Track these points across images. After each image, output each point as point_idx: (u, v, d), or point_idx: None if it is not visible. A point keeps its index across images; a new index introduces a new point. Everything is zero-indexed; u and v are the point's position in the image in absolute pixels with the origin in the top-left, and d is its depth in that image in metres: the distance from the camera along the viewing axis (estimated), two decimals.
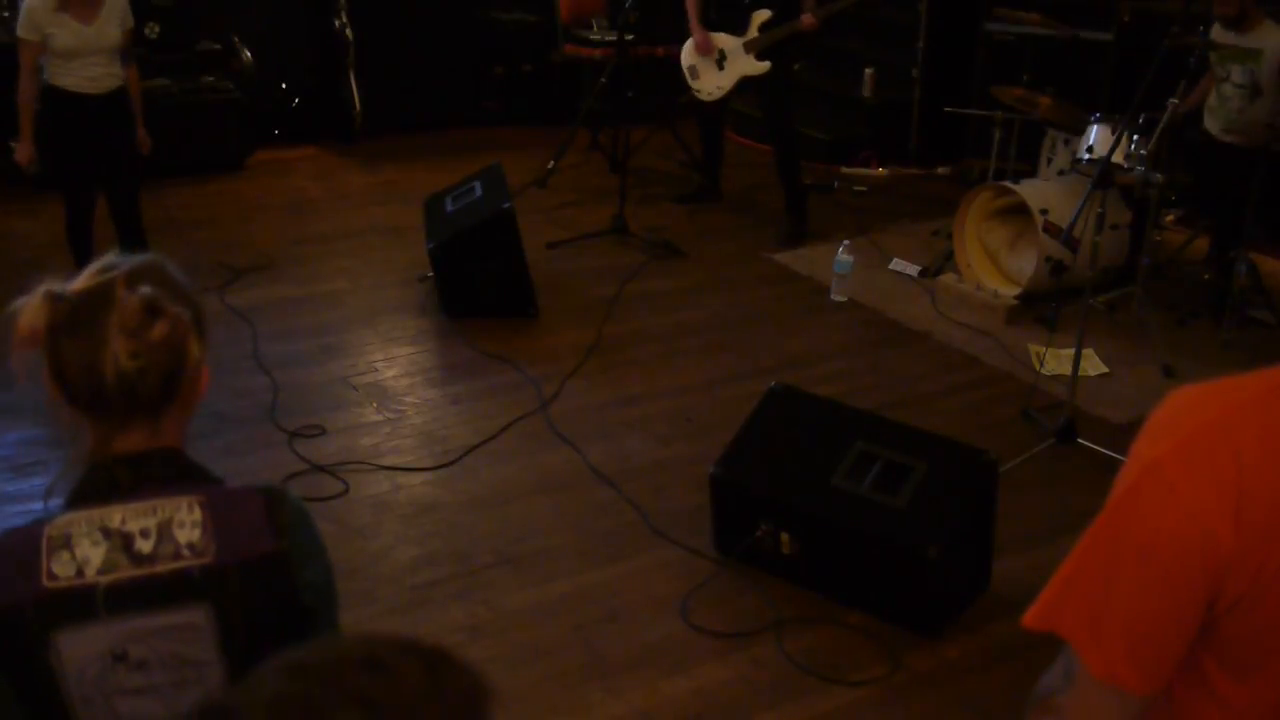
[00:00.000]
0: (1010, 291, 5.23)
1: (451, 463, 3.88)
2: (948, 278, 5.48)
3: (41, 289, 1.31)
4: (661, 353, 4.77)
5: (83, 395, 1.31)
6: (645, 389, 4.45)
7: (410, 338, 4.82)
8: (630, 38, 6.53)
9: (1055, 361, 4.66)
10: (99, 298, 1.30)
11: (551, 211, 6.28)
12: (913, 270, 5.66)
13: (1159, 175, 4.84)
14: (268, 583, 1.32)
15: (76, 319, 1.30)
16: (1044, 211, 4.99)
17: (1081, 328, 4.03)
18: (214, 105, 6.60)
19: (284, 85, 7.38)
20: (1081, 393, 4.27)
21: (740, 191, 6.79)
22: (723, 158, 6.66)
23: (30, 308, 1.30)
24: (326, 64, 7.39)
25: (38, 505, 3.30)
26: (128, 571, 1.28)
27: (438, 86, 7.71)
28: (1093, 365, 4.74)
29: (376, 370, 4.52)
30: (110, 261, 1.36)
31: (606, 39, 7.25)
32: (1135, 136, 4.79)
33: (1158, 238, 5.35)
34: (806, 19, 5.72)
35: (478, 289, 4.94)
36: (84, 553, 1.28)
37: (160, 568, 1.29)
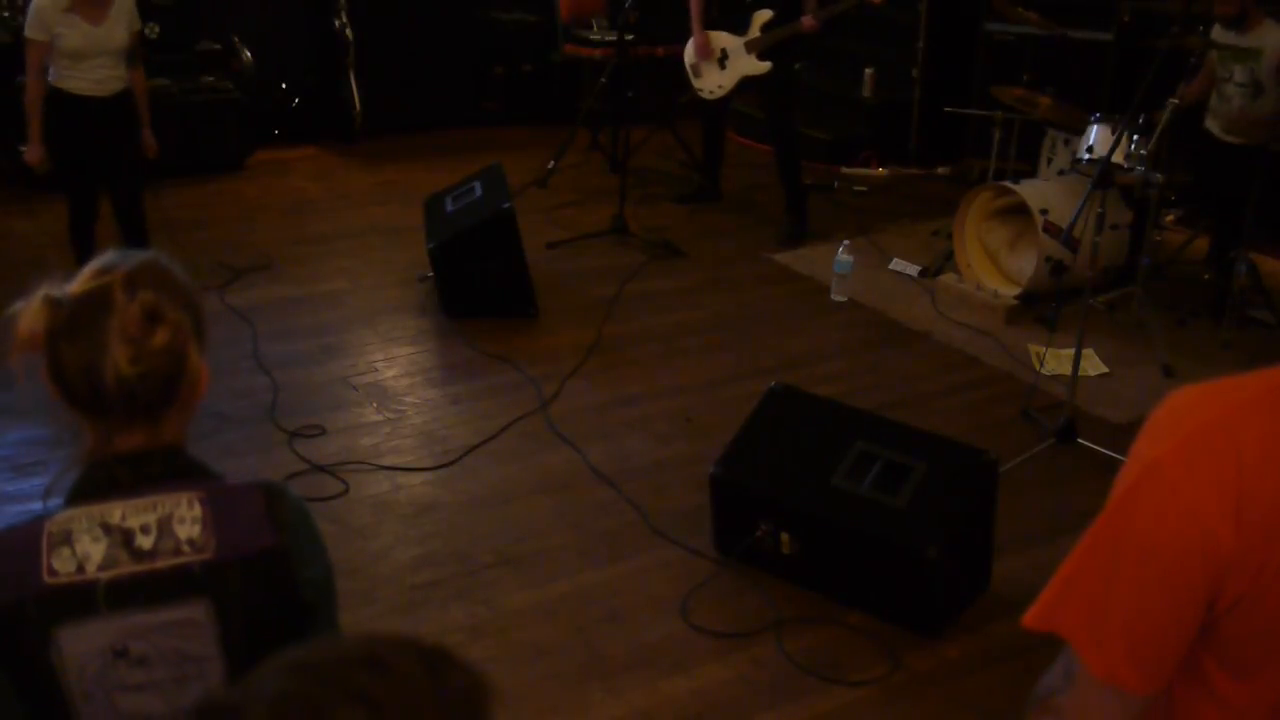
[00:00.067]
0: (1010, 291, 5.24)
1: (451, 463, 3.88)
2: (948, 278, 5.48)
3: (40, 293, 1.30)
4: (661, 353, 4.77)
5: (82, 398, 1.31)
6: (645, 389, 4.45)
7: (410, 338, 4.82)
8: (630, 38, 6.53)
9: (1055, 361, 4.66)
10: (97, 302, 1.30)
11: (551, 211, 6.28)
12: (913, 270, 5.66)
13: (1159, 175, 4.84)
14: (268, 578, 1.33)
15: (76, 323, 1.29)
16: (1044, 211, 4.99)
17: (1081, 328, 4.03)
18: (214, 105, 6.60)
19: (284, 85, 7.38)
20: (1081, 393, 4.27)
21: (740, 191, 6.79)
22: (723, 158, 6.66)
23: (29, 312, 1.30)
24: (326, 64, 7.39)
25: (38, 505, 3.29)
26: (128, 567, 1.28)
27: (438, 86, 7.71)
28: (1093, 365, 4.74)
29: (376, 370, 4.52)
30: (108, 261, 1.35)
31: (606, 39, 7.25)
32: (1135, 136, 4.79)
33: (1158, 238, 5.35)
34: (807, 21, 5.73)
35: (478, 289, 4.94)
36: (84, 549, 1.28)
37: (161, 563, 1.29)
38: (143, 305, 1.30)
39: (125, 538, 1.29)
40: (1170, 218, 5.79)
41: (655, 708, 2.84)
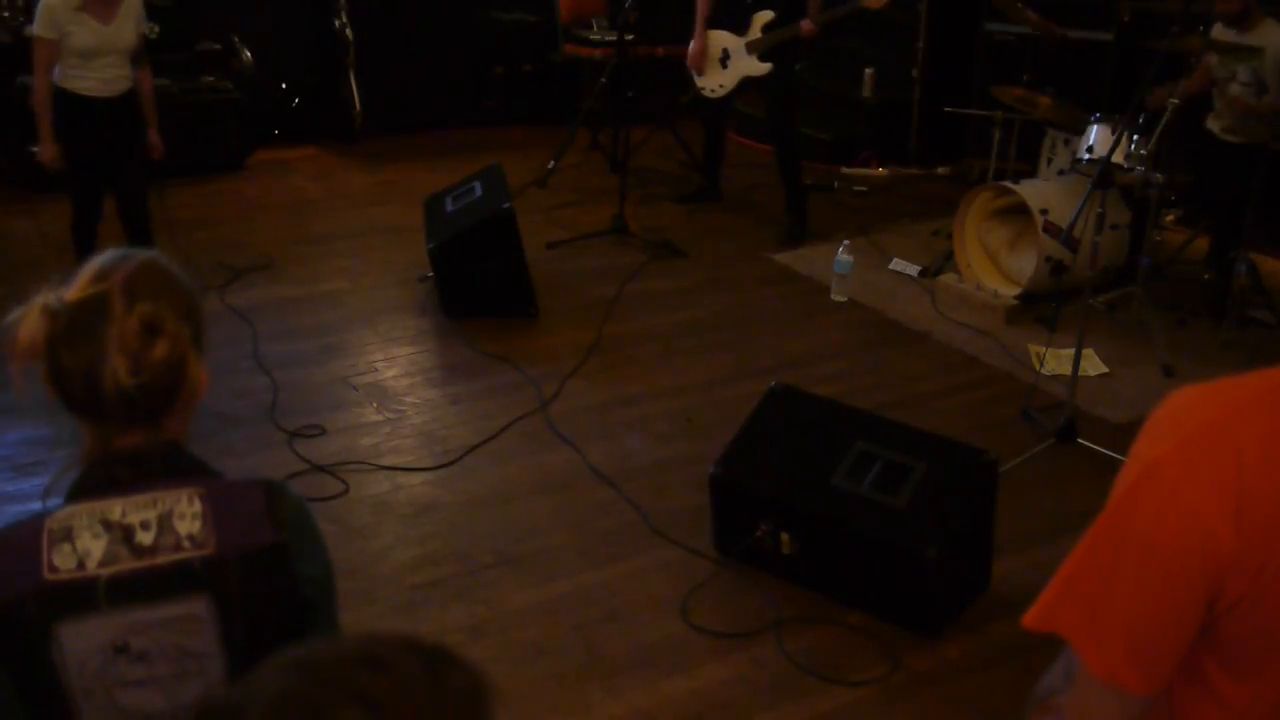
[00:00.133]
0: (1010, 291, 5.24)
1: (451, 463, 3.88)
2: (948, 278, 5.48)
3: (38, 302, 1.30)
4: (661, 353, 4.77)
5: (81, 403, 1.31)
6: (645, 389, 4.45)
7: (410, 338, 4.82)
8: (630, 38, 6.53)
9: (1055, 361, 4.66)
10: (95, 310, 1.29)
11: (551, 211, 6.28)
12: (913, 270, 5.66)
13: (1159, 175, 4.84)
14: (267, 574, 1.33)
15: (74, 331, 1.29)
16: (1044, 211, 4.99)
17: (1081, 328, 4.03)
18: (214, 105, 6.60)
19: (284, 85, 7.38)
20: (1081, 393, 4.27)
21: (740, 191, 6.79)
22: (724, 158, 6.66)
23: (28, 321, 1.29)
24: (326, 64, 7.39)
25: (38, 505, 3.29)
26: (129, 563, 1.28)
27: (438, 86, 7.71)
28: (1093, 365, 4.74)
29: (376, 370, 4.52)
30: (107, 264, 1.34)
31: (606, 39, 7.25)
32: (1135, 136, 4.79)
33: (1158, 238, 5.35)
34: (805, 25, 5.72)
35: (478, 289, 4.94)
36: (85, 545, 1.28)
37: (161, 559, 1.29)
38: (141, 318, 1.29)
39: (125, 534, 1.29)
40: (1170, 218, 5.78)
41: (655, 708, 2.84)
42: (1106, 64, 6.36)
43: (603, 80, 6.66)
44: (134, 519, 1.30)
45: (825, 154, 7.38)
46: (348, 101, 7.35)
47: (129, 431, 1.34)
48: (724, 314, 5.19)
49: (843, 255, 5.35)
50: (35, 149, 4.42)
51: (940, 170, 7.40)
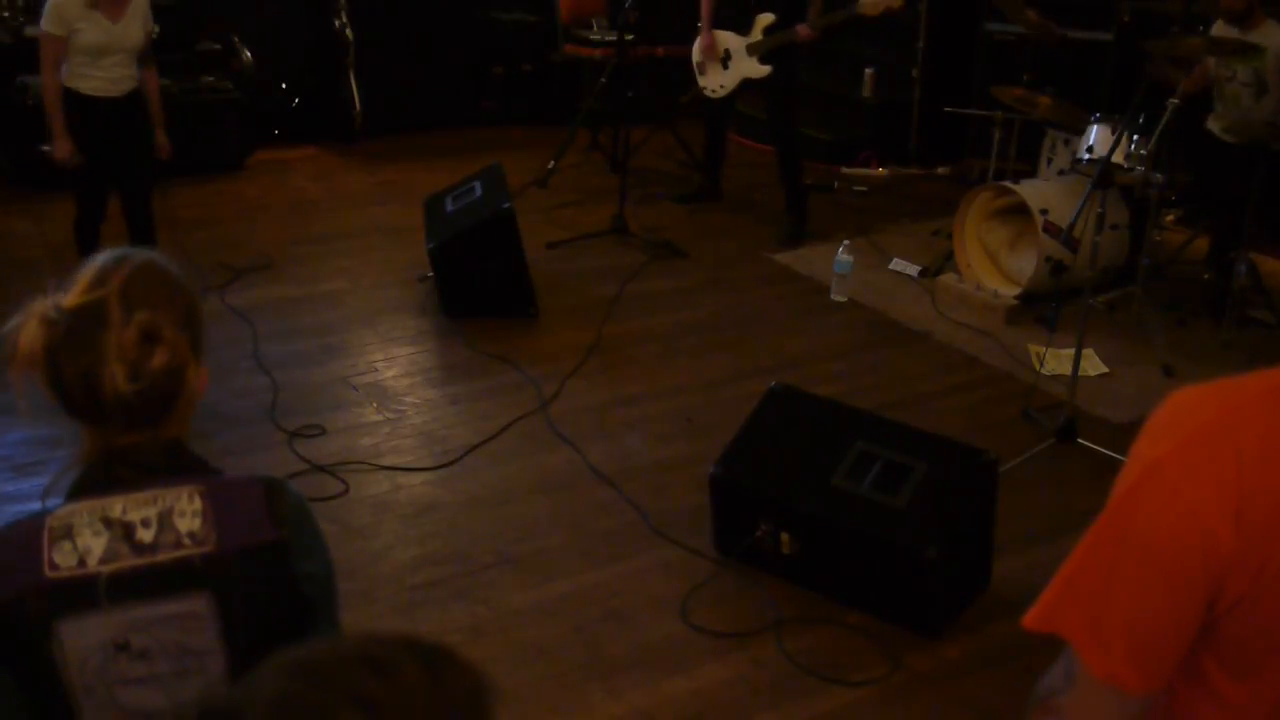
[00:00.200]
0: (1010, 291, 5.24)
1: (451, 463, 3.88)
2: (948, 278, 5.48)
3: (36, 311, 1.29)
4: (661, 353, 4.77)
5: (81, 408, 1.31)
6: (645, 389, 4.45)
7: (410, 338, 4.82)
8: (630, 38, 6.53)
9: (1055, 361, 4.66)
10: (93, 317, 1.29)
11: (551, 211, 6.28)
12: (913, 270, 5.66)
13: (1159, 175, 4.84)
14: (267, 572, 1.33)
15: (72, 338, 1.29)
16: (1044, 211, 4.99)
17: (1081, 328, 4.03)
18: (214, 105, 6.60)
19: (284, 85, 7.38)
20: (1081, 393, 4.27)
21: (740, 191, 6.79)
22: (725, 158, 6.66)
23: (26, 330, 1.29)
24: (326, 64, 7.39)
25: (38, 505, 3.29)
26: (129, 561, 1.28)
27: (438, 86, 7.71)
28: (1093, 365, 4.74)
29: (376, 370, 4.52)
30: (104, 267, 1.33)
31: (606, 39, 7.26)
32: (1135, 136, 4.79)
33: (1158, 238, 5.35)
34: (802, 29, 5.72)
35: (478, 289, 4.94)
36: (85, 543, 1.28)
37: (162, 556, 1.29)
38: (139, 326, 1.29)
39: (126, 531, 1.29)
40: (1170, 218, 5.78)
41: (655, 708, 2.84)
42: (1106, 64, 6.36)
43: (603, 80, 6.66)
44: (134, 516, 1.30)
45: (825, 154, 7.38)
46: (348, 101, 7.35)
47: (129, 434, 1.34)
48: (724, 314, 5.19)
49: (843, 255, 5.35)
50: (47, 148, 4.40)
51: (940, 170, 7.40)
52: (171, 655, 1.30)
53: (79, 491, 1.32)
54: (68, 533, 1.28)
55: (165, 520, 1.30)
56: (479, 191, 5.16)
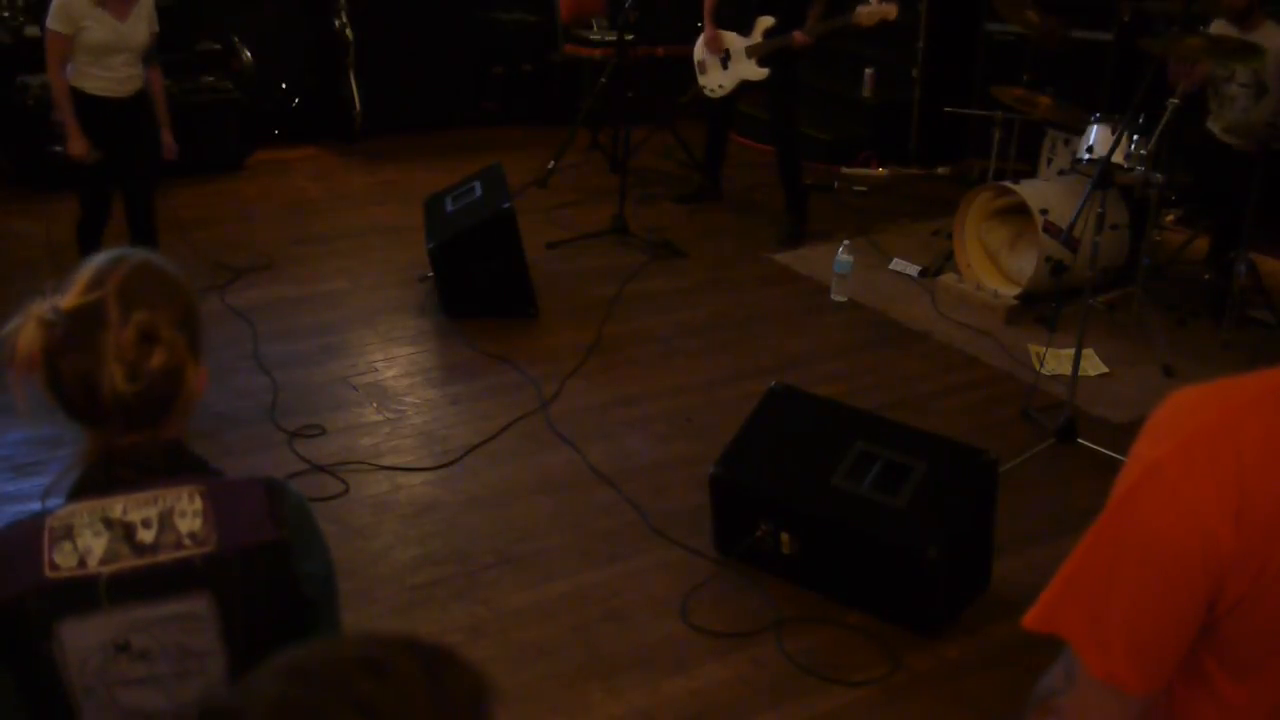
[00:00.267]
0: (1010, 291, 5.24)
1: (451, 463, 3.88)
2: (948, 278, 5.48)
3: (34, 313, 1.29)
4: (661, 353, 4.77)
5: (80, 410, 1.31)
6: (645, 389, 4.45)
7: (410, 338, 4.82)
8: (630, 38, 6.53)
9: (1055, 361, 4.66)
10: (91, 318, 1.29)
11: (551, 211, 6.28)
12: (913, 270, 5.66)
13: (1159, 175, 4.84)
14: (268, 572, 1.33)
15: (70, 340, 1.29)
16: (1044, 211, 4.99)
17: (1081, 328, 4.03)
18: (214, 105, 6.60)
19: (284, 85, 7.38)
20: (1081, 393, 4.27)
21: (740, 191, 6.79)
22: (725, 158, 6.66)
23: (25, 332, 1.29)
24: (326, 64, 7.39)
25: (38, 505, 3.29)
26: (130, 561, 1.28)
27: (438, 86, 7.71)
28: (1093, 365, 4.74)
29: (376, 370, 4.52)
30: (101, 268, 1.33)
31: (606, 39, 7.26)
32: (1135, 136, 4.79)
33: (1158, 238, 5.35)
34: (798, 36, 5.72)
35: (478, 289, 4.94)
36: (86, 543, 1.28)
37: (162, 557, 1.29)
38: (138, 327, 1.29)
39: (126, 532, 1.29)
40: (1170, 218, 5.78)
41: (655, 708, 2.84)
42: (1106, 64, 6.36)
43: (603, 80, 6.67)
44: (135, 517, 1.30)
45: (825, 154, 7.38)
46: (348, 101, 7.35)
47: (128, 435, 1.34)
48: (724, 314, 5.19)
49: (843, 255, 5.35)
50: (59, 148, 4.36)
51: (940, 170, 7.40)
52: (172, 656, 1.30)
53: (79, 492, 1.32)
54: (68, 533, 1.28)
55: (166, 521, 1.30)
56: (479, 191, 5.16)
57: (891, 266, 5.73)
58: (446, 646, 0.88)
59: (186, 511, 1.31)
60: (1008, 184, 5.22)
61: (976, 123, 6.68)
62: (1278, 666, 1.16)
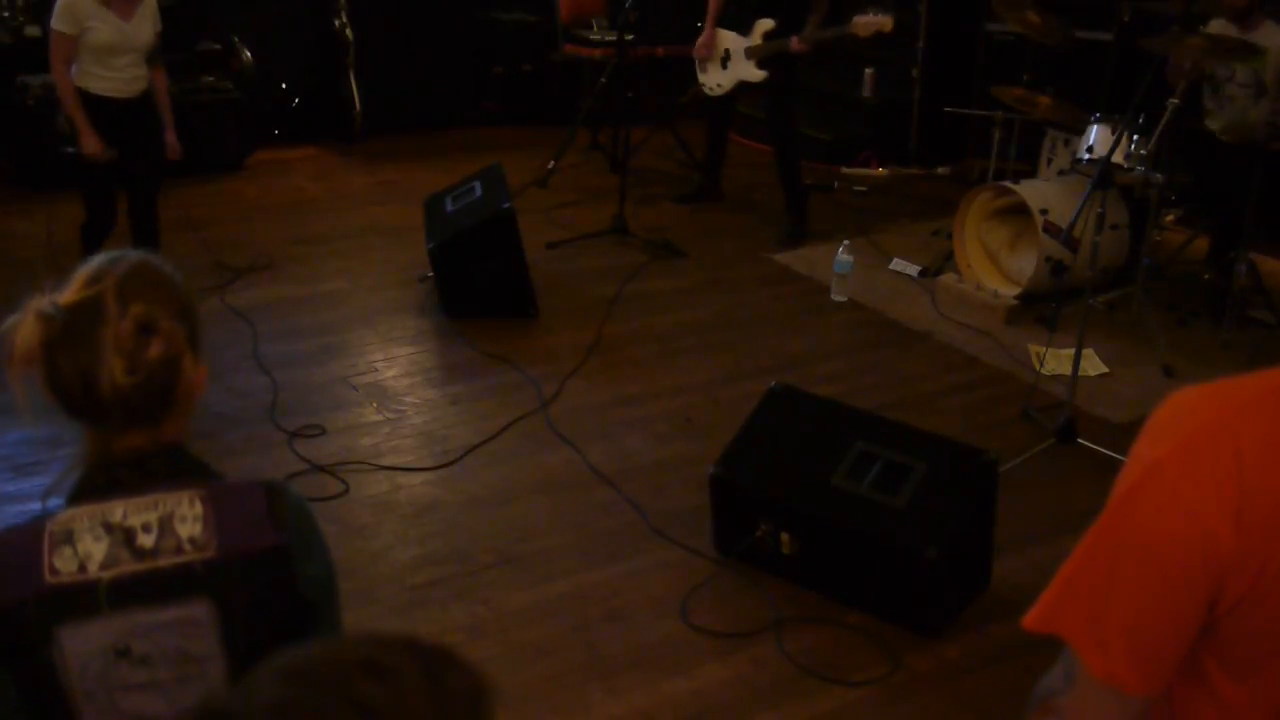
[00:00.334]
0: (1010, 291, 5.24)
1: (451, 463, 3.88)
2: (948, 278, 5.48)
3: (33, 308, 1.30)
4: (661, 353, 4.77)
5: (80, 407, 1.31)
6: (645, 389, 4.45)
7: (410, 338, 4.82)
8: (630, 38, 6.53)
9: (1055, 361, 4.66)
10: (89, 312, 1.29)
11: (551, 211, 6.28)
12: (913, 270, 5.66)
13: (1159, 175, 4.84)
14: (269, 577, 1.33)
15: (69, 335, 1.29)
16: (1044, 211, 4.99)
17: (1081, 328, 4.03)
18: (214, 105, 6.61)
19: (284, 85, 7.38)
20: (1081, 393, 4.27)
21: (740, 191, 6.79)
22: (725, 158, 6.66)
23: (23, 328, 1.29)
24: (326, 64, 7.39)
25: (38, 505, 3.29)
26: (130, 566, 1.28)
27: (438, 86, 7.71)
28: (1093, 365, 4.74)
29: (376, 370, 4.52)
30: (99, 266, 1.34)
31: (606, 39, 7.26)
32: (1135, 136, 4.78)
33: (1158, 238, 5.35)
34: (795, 42, 5.72)
35: (478, 289, 4.94)
36: (86, 548, 1.28)
37: (162, 562, 1.29)
38: (135, 318, 1.29)
39: (127, 536, 1.29)
40: (1170, 218, 5.78)
41: (655, 708, 2.84)
42: (1106, 64, 6.35)
43: (603, 80, 6.67)
44: (135, 521, 1.30)
45: (825, 154, 7.38)
46: (348, 101, 7.35)
47: (128, 434, 1.33)
48: (724, 314, 5.19)
49: (843, 255, 5.35)
50: (71, 149, 4.34)
51: (940, 170, 7.40)
52: (172, 661, 1.30)
53: (79, 495, 1.32)
54: (68, 538, 1.28)
55: (166, 525, 1.30)
56: (479, 191, 5.16)
57: (891, 266, 5.73)
58: (446, 647, 0.88)
59: (187, 516, 1.31)
60: (1008, 184, 5.22)
61: (976, 123, 6.68)
62: (1278, 666, 1.16)
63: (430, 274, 5.10)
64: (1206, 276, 5.29)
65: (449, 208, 5.19)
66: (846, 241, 5.47)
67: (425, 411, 4.22)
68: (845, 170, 7.33)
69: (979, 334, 5.04)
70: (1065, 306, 4.87)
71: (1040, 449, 3.99)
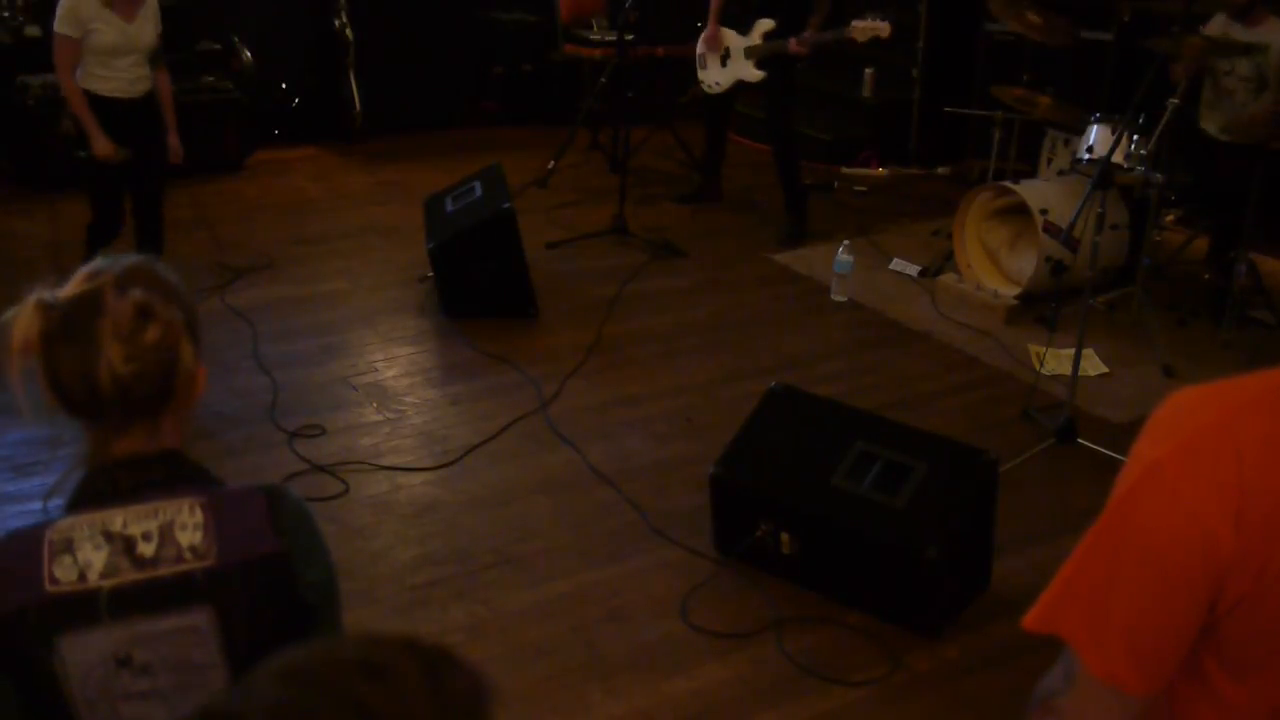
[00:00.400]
0: (1010, 291, 5.24)
1: (451, 463, 3.88)
2: (948, 278, 5.48)
3: (32, 298, 1.30)
4: (661, 353, 4.77)
5: (79, 401, 1.31)
6: (645, 389, 4.44)
7: (410, 338, 4.82)
8: (630, 38, 6.54)
9: (1055, 361, 4.66)
10: (90, 304, 1.30)
11: (551, 211, 6.28)
12: (913, 270, 5.66)
13: (1159, 175, 4.84)
14: (270, 584, 1.32)
15: (69, 326, 1.29)
16: (1044, 211, 4.99)
17: (1081, 328, 4.03)
18: (214, 105, 6.61)
19: (284, 85, 7.39)
20: (1081, 393, 4.27)
21: (740, 191, 6.79)
22: (724, 157, 6.66)
23: (22, 318, 1.29)
24: (326, 64, 7.39)
25: (38, 505, 3.29)
26: (130, 575, 1.28)
27: (438, 86, 7.72)
28: (1093, 365, 4.74)
29: (376, 370, 4.52)
30: (99, 266, 1.36)
31: (606, 39, 7.26)
32: (1135, 136, 4.78)
33: (1158, 238, 5.35)
34: (793, 43, 5.73)
35: (478, 289, 4.94)
36: (86, 557, 1.27)
37: (163, 571, 1.29)
38: (134, 303, 1.30)
39: (127, 545, 1.29)
40: (1170, 218, 5.78)
41: (655, 708, 2.84)
42: (1106, 64, 6.36)
43: (603, 80, 6.67)
44: (135, 530, 1.29)
45: (825, 154, 7.39)
46: (348, 101, 7.35)
47: (127, 432, 1.33)
48: (724, 314, 5.19)
49: (843, 255, 5.35)
50: (83, 153, 4.32)
51: (940, 170, 7.40)
52: (173, 669, 1.30)
53: (79, 501, 1.32)
54: (68, 546, 1.28)
55: (166, 534, 1.30)
56: (479, 191, 5.16)
57: (891, 266, 5.73)
58: (445, 648, 0.88)
59: (187, 524, 1.30)
60: (1008, 184, 5.22)
61: (976, 123, 6.68)
62: (1278, 666, 1.16)
63: (430, 274, 5.10)
64: (1206, 276, 5.30)
65: (449, 208, 5.19)
66: (846, 241, 5.47)
67: (425, 411, 4.22)
68: (845, 170, 7.33)
69: (979, 334, 5.04)
70: (1065, 306, 4.86)
71: (1040, 449, 3.99)
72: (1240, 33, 4.93)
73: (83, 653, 1.26)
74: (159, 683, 1.30)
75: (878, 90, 7.56)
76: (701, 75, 6.29)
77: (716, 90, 6.22)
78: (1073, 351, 4.10)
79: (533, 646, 3.03)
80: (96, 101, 4.28)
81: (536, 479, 3.81)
